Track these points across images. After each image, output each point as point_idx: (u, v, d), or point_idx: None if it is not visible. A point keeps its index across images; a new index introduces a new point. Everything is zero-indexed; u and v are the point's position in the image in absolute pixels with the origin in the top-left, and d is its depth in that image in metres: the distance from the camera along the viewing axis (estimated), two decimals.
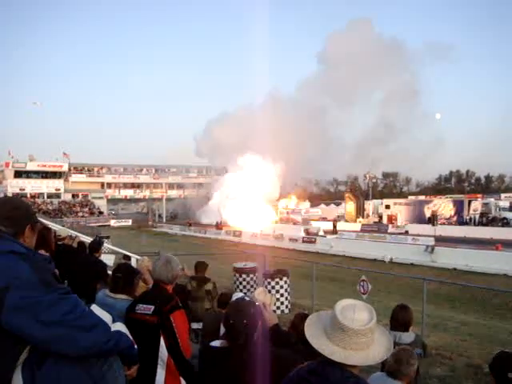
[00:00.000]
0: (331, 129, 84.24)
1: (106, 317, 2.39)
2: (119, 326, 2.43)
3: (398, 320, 5.01)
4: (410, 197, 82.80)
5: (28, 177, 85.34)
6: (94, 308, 2.39)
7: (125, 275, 4.59)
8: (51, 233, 6.99)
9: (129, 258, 12.34)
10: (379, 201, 71.03)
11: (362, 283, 11.90)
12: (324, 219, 61.41)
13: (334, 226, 50.94)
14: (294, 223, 60.87)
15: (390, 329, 4.98)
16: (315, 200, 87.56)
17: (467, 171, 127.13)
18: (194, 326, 8.04)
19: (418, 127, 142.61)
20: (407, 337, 4.93)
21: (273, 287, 13.78)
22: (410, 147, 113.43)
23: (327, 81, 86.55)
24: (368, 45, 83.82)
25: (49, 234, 6.65)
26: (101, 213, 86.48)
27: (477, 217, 53.45)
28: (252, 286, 14.53)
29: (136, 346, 2.52)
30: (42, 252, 4.86)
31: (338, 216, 69.29)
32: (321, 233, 48.46)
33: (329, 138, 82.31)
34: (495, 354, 3.61)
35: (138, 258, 10.59)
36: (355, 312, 2.14)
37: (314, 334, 2.22)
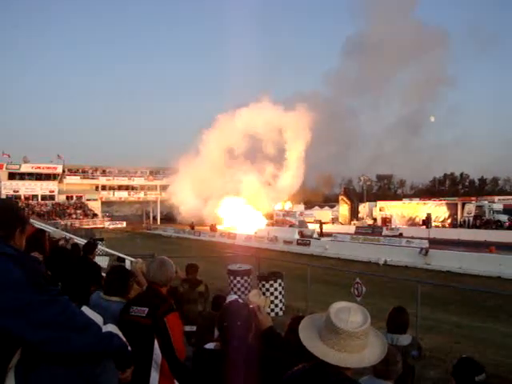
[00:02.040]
0: (353, 127, 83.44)
1: (97, 318, 2.38)
2: (111, 328, 2.42)
3: (396, 322, 5.04)
4: (404, 199, 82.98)
5: (22, 178, 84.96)
6: (85, 309, 2.38)
7: (119, 277, 4.59)
8: (45, 235, 6.98)
9: (122, 260, 12.34)
10: (373, 203, 71.18)
11: (356, 286, 11.91)
12: (318, 222, 61.36)
13: (321, 229, 50.93)
14: (290, 225, 60.85)
15: (387, 331, 5.00)
16: (309, 202, 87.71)
17: (461, 174, 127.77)
18: (187, 328, 8.01)
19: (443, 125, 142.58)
20: (405, 339, 4.96)
21: (267, 289, 13.80)
22: (408, 149, 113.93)
23: (353, 72, 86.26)
24: (407, 26, 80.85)
25: (43, 236, 6.64)
26: (95, 215, 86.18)
27: (471, 219, 53.69)
28: (246, 289, 14.52)
29: (130, 348, 2.51)
30: (36, 255, 4.85)
31: (333, 218, 69.55)
32: (315, 235, 48.51)
33: (350, 136, 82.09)
34: (456, 361, 3.67)
35: (133, 260, 10.58)
36: (350, 314, 2.14)
37: (308, 336, 2.22)
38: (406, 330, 5.08)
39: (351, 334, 2.09)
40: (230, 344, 2.90)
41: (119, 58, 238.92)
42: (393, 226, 55.00)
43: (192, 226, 68.45)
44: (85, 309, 2.39)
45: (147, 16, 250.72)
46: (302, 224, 59.05)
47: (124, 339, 2.47)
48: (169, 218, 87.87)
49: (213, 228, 63.55)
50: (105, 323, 2.46)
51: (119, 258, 12.56)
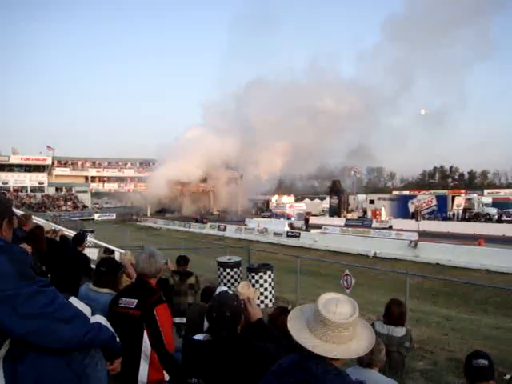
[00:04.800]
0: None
1: (85, 309, 2.37)
2: (99, 318, 2.41)
3: (393, 315, 5.12)
4: (394, 192, 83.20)
5: (11, 170, 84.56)
6: (73, 300, 2.37)
7: (108, 269, 4.58)
8: (43, 231, 6.96)
9: (111, 251, 12.29)
10: (363, 196, 71.32)
11: (345, 278, 11.95)
12: (308, 214, 61.42)
13: (307, 221, 50.90)
14: (288, 217, 60.96)
15: (384, 323, 5.09)
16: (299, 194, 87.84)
17: (451, 167, 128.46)
18: (177, 320, 8.03)
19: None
20: (400, 331, 5.09)
21: (257, 281, 13.80)
22: (397, 141, 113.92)
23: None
24: None
25: (41, 232, 6.63)
26: (85, 207, 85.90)
27: (460, 212, 54.01)
28: (236, 280, 14.56)
29: (118, 339, 2.51)
30: (24, 246, 4.84)
31: (323, 210, 69.72)
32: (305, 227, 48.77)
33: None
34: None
35: (122, 251, 10.56)
36: (337, 306, 2.15)
37: (296, 327, 2.23)
38: (403, 323, 5.21)
39: (339, 325, 2.09)
40: (218, 335, 2.91)
41: (108, 51, 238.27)
42: (382, 219, 55.18)
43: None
44: (73, 300, 2.38)
45: (142, 9, 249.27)
46: (300, 217, 59.10)
47: (112, 330, 2.46)
48: (163, 210, 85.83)
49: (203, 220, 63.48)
50: (93, 314, 2.45)
51: (106, 249, 12.49)
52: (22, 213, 10.56)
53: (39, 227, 7.11)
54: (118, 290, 4.43)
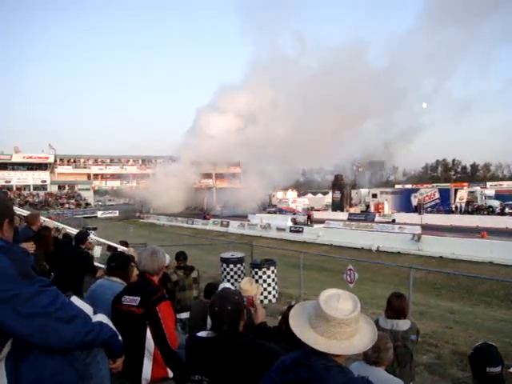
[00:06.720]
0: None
1: (86, 308, 2.38)
2: (100, 317, 2.41)
3: (395, 308, 5.07)
4: (396, 186, 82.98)
5: (13, 169, 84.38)
6: (74, 300, 2.37)
7: (118, 264, 4.67)
8: (51, 233, 6.98)
9: (114, 249, 12.28)
10: (366, 190, 71.15)
11: (348, 272, 11.93)
12: (310, 209, 61.31)
13: (309, 217, 50.78)
14: (295, 213, 60.82)
15: (387, 317, 5.05)
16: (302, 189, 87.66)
17: (453, 160, 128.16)
18: (184, 315, 8.03)
19: None
20: (404, 324, 5.03)
21: (260, 277, 13.80)
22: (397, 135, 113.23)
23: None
24: None
25: (48, 234, 6.63)
26: (87, 204, 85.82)
27: (463, 205, 53.93)
28: (239, 276, 14.54)
29: (120, 337, 2.51)
30: (28, 245, 4.85)
31: (326, 205, 69.62)
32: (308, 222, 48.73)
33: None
34: (476, 345, 3.60)
35: (125, 249, 10.55)
36: (339, 302, 2.15)
37: (298, 323, 2.23)
38: (405, 315, 5.13)
39: (340, 321, 2.09)
40: (221, 330, 2.91)
41: (109, 48, 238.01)
42: (385, 213, 55.10)
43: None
44: (74, 299, 2.38)
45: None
46: (305, 212, 58.92)
47: (114, 329, 2.46)
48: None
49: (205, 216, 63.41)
50: (95, 313, 2.45)
51: (109, 246, 12.48)
52: (28, 212, 10.58)
53: (47, 228, 7.14)
54: (128, 281, 4.55)
